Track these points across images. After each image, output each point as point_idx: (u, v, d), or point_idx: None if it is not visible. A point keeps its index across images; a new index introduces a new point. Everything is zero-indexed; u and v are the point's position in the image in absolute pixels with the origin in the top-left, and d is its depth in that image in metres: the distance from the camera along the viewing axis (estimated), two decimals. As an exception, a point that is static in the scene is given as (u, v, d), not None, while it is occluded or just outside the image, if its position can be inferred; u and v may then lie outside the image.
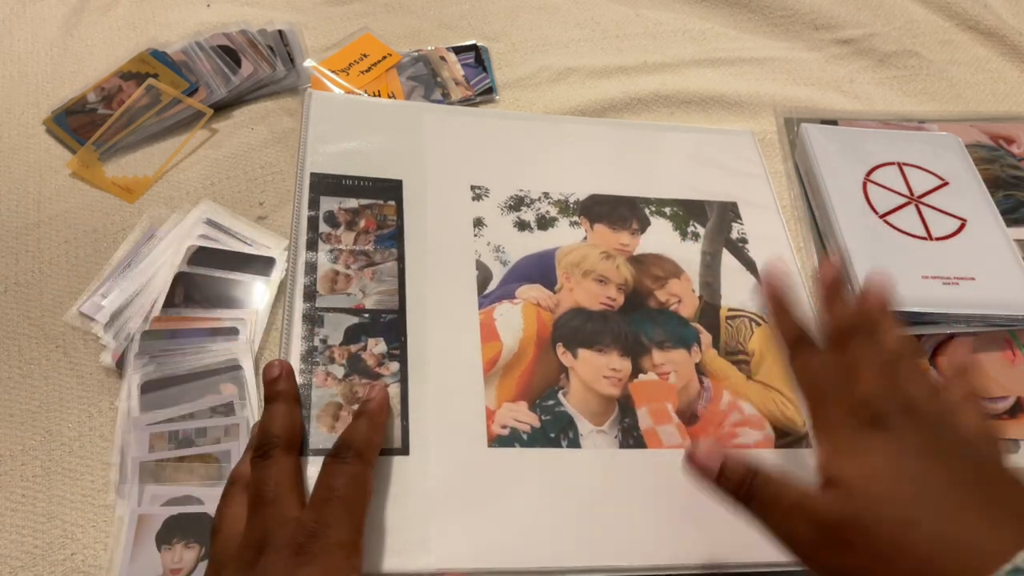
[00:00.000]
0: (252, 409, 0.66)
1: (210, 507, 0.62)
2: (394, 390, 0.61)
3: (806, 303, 0.73)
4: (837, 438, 0.48)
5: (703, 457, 0.50)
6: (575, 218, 0.74)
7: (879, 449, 0.47)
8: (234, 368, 0.68)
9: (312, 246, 0.67)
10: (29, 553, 0.60)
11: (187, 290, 0.72)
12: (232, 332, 0.70)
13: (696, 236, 0.76)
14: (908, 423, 0.47)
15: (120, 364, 0.68)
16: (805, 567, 0.46)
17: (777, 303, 0.56)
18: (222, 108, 0.86)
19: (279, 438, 0.55)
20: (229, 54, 0.89)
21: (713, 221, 0.77)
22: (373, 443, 0.56)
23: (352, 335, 0.63)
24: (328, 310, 0.64)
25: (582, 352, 0.66)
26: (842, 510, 0.45)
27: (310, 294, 0.65)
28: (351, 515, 0.52)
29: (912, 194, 0.82)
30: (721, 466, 0.49)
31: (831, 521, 0.45)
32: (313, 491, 0.53)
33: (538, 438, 0.62)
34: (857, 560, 0.43)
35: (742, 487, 0.48)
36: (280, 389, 0.58)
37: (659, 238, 0.75)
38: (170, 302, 0.71)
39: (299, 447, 0.57)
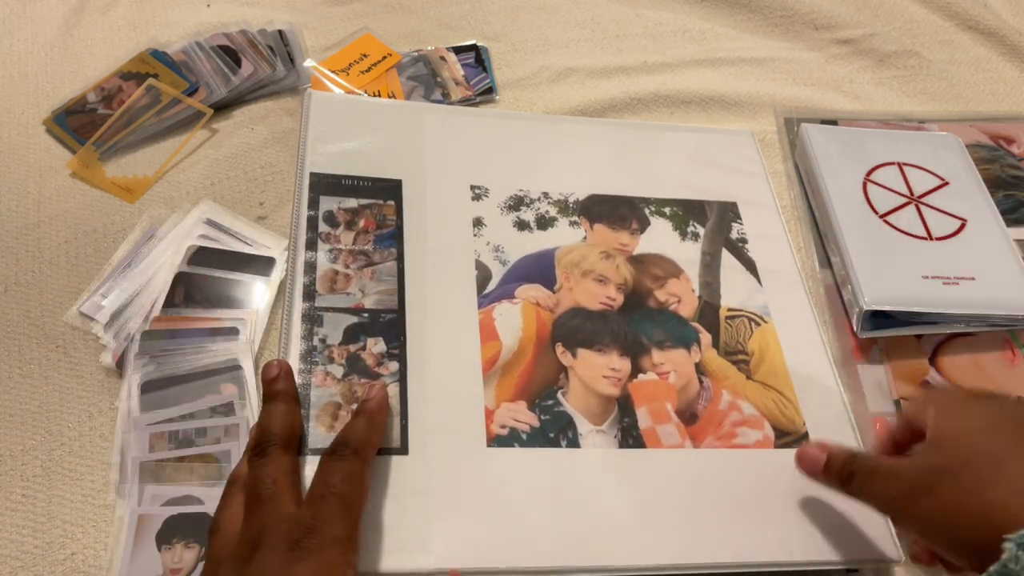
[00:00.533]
0: (252, 409, 0.66)
1: (210, 507, 0.62)
2: (393, 390, 0.62)
3: (807, 305, 0.73)
4: (945, 404, 0.54)
5: (811, 457, 0.58)
6: (575, 218, 0.74)
7: (981, 413, 0.52)
8: (234, 368, 0.68)
9: (311, 246, 0.67)
10: (29, 553, 0.60)
11: (187, 290, 0.72)
12: (232, 332, 0.70)
13: (696, 236, 0.76)
14: (1016, 400, 0.53)
15: (120, 364, 0.68)
16: (896, 526, 0.56)
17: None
18: (222, 108, 0.86)
19: (277, 436, 0.55)
20: (229, 54, 0.89)
21: (713, 221, 0.77)
22: (371, 441, 0.56)
23: (351, 335, 0.63)
24: (327, 310, 0.64)
25: (581, 352, 0.66)
26: (932, 461, 0.51)
27: (309, 294, 0.65)
28: (348, 511, 0.51)
29: (912, 194, 0.82)
30: (827, 460, 0.57)
31: (920, 472, 0.50)
32: (310, 487, 0.53)
33: (537, 438, 0.62)
34: (942, 499, 0.48)
35: (844, 470, 0.55)
36: (279, 389, 0.58)
37: (659, 238, 0.75)
38: (170, 302, 0.71)
39: (297, 446, 0.57)
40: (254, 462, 0.54)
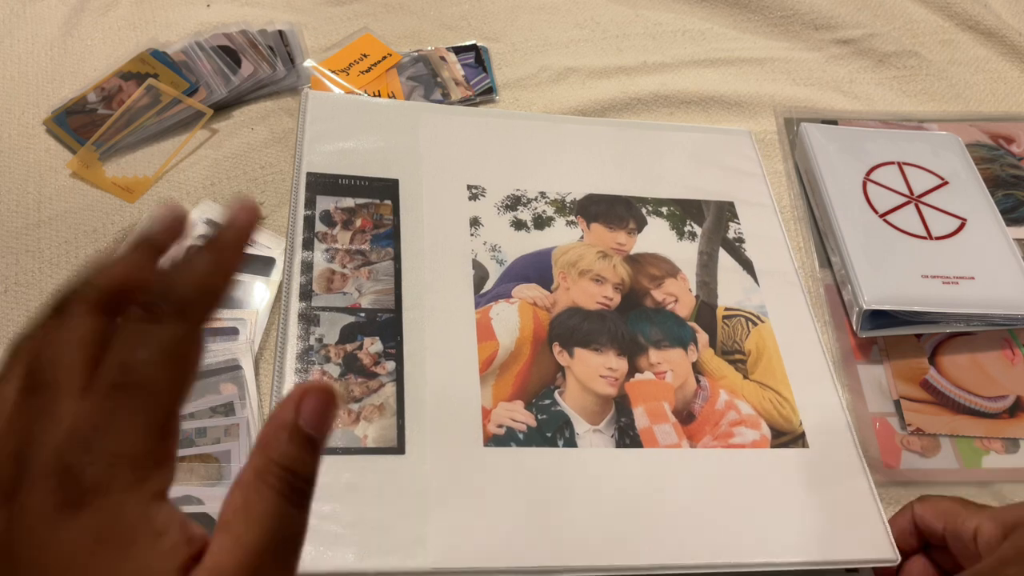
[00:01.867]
0: (252, 409, 0.66)
1: (210, 507, 0.62)
2: (390, 389, 0.62)
3: (804, 305, 0.73)
4: (993, 510, 0.57)
5: None
6: (572, 217, 0.74)
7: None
8: (234, 368, 0.68)
9: (308, 245, 0.67)
10: None
11: (186, 290, 0.72)
12: (232, 332, 0.70)
13: (693, 236, 0.75)
14: None
15: (119, 363, 0.68)
16: None
17: None
18: (222, 108, 0.87)
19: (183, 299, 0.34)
20: (229, 54, 0.89)
21: (710, 220, 0.77)
22: (211, 290, 0.34)
23: (348, 334, 0.64)
24: (324, 309, 0.64)
25: (579, 351, 0.66)
26: None
27: (306, 293, 0.65)
28: (154, 408, 0.32)
29: (912, 193, 0.82)
30: None
31: None
32: (101, 370, 0.32)
33: (534, 437, 0.62)
34: None
35: None
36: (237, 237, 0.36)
37: (656, 237, 0.75)
38: (169, 302, 0.71)
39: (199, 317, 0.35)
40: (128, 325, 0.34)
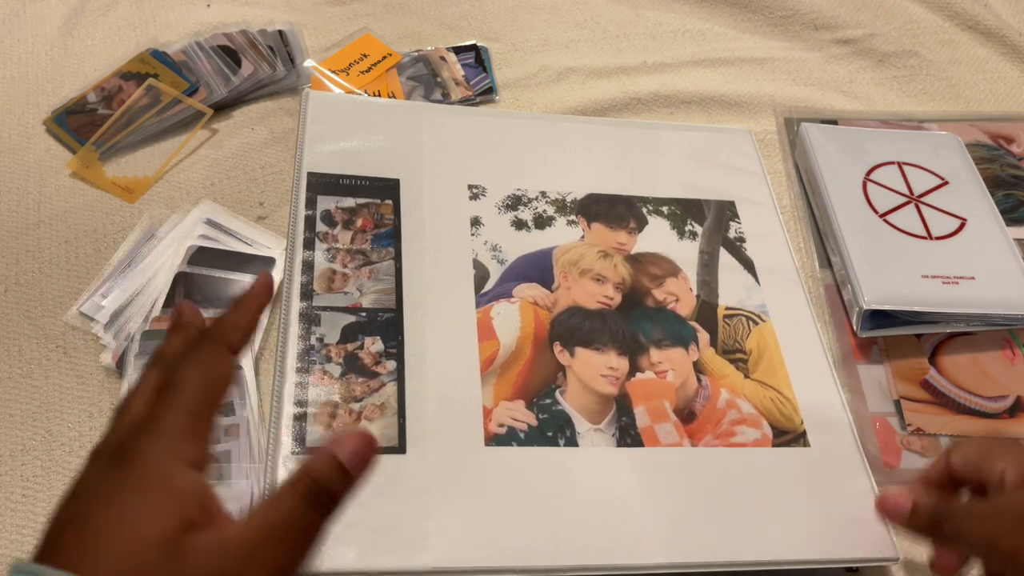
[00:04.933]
0: (252, 409, 0.66)
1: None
2: (391, 389, 0.62)
3: (805, 304, 0.73)
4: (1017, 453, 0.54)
5: (896, 504, 0.55)
6: (572, 217, 0.74)
7: None
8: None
9: (309, 245, 0.67)
10: (29, 553, 0.60)
11: (187, 290, 0.72)
12: (232, 332, 0.70)
13: (694, 235, 0.76)
14: None
15: (120, 364, 0.68)
16: (989, 564, 0.52)
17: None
18: (222, 108, 0.87)
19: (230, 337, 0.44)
20: (229, 54, 0.89)
21: (711, 220, 0.77)
22: (233, 325, 0.44)
23: (349, 334, 0.64)
24: (325, 309, 0.64)
25: (579, 351, 0.66)
26: None
27: (307, 293, 0.65)
28: (187, 400, 0.40)
29: (912, 193, 0.82)
30: (913, 507, 0.54)
31: None
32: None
33: (535, 437, 0.62)
34: None
35: (934, 516, 0.53)
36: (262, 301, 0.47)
37: (657, 237, 0.75)
38: (170, 302, 0.71)
39: (238, 352, 0.44)
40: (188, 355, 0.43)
